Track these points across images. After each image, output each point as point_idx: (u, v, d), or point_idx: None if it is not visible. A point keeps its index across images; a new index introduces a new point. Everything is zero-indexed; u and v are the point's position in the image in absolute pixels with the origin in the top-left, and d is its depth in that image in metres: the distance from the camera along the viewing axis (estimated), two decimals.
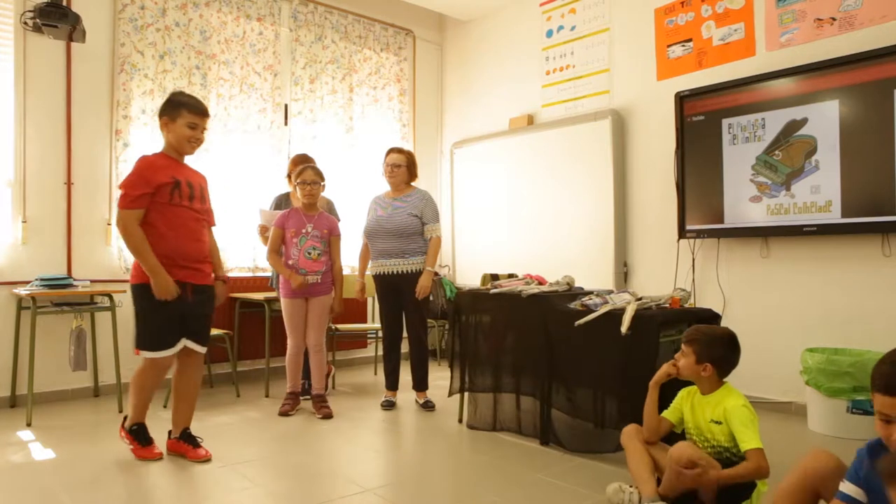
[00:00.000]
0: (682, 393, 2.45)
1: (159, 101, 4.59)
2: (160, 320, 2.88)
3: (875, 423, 1.63)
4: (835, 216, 3.67)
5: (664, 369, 2.42)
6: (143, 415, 3.06)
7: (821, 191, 3.74)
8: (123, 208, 2.80)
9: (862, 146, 3.57)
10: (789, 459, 2.98)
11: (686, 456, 2.13)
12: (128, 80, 4.50)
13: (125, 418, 3.10)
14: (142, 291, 2.86)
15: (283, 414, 3.85)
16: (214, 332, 4.36)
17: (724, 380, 2.34)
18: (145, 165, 2.88)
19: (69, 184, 4.30)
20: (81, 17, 4.08)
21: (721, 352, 2.31)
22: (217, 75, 4.92)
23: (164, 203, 2.88)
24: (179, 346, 2.96)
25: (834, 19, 3.80)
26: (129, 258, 4.46)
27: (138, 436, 3.04)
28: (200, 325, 3.07)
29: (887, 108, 3.47)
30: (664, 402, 2.48)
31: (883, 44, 3.52)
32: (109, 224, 4.45)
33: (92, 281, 4.29)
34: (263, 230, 4.32)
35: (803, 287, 3.92)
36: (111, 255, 4.47)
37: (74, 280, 4.11)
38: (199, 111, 3.01)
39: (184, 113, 2.96)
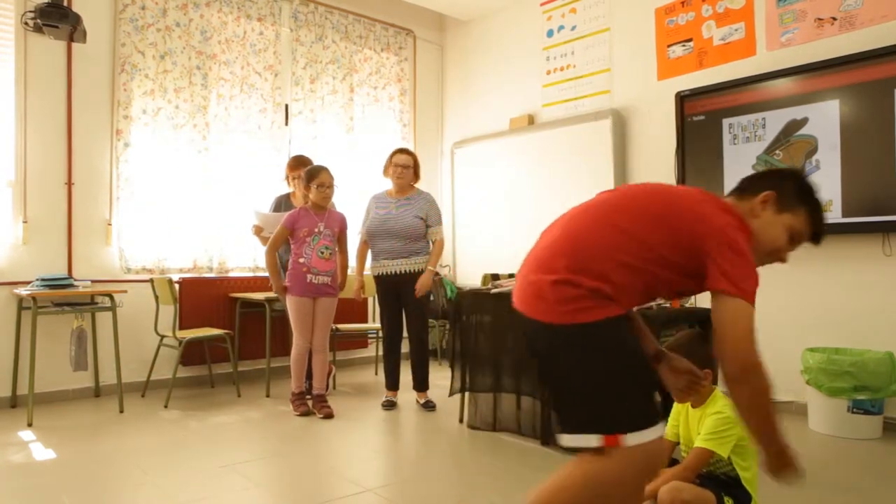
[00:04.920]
0: (677, 407, 2.42)
1: (160, 101, 4.62)
2: (648, 371, 1.65)
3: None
4: (835, 215, 3.67)
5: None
6: None
7: (821, 190, 3.71)
8: (749, 298, 1.46)
9: (862, 146, 3.57)
10: None
11: (680, 500, 2.09)
12: (128, 81, 4.50)
13: None
14: (609, 334, 1.52)
15: (304, 414, 3.85)
16: (214, 331, 4.38)
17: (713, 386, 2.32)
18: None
19: (70, 184, 4.31)
20: (82, 18, 4.07)
21: (706, 349, 2.23)
22: (218, 75, 4.93)
23: None
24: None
25: (834, 19, 3.80)
26: (132, 258, 4.49)
27: None
28: None
29: (888, 108, 3.46)
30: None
31: (883, 43, 3.52)
32: (110, 224, 4.46)
33: (92, 281, 4.29)
34: (258, 230, 4.33)
35: (804, 286, 3.91)
36: (111, 256, 4.47)
37: (75, 280, 4.11)
38: None
39: None
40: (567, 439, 1.54)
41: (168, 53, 4.66)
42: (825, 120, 3.71)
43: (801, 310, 3.91)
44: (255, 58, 5.14)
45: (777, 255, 1.69)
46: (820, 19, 3.85)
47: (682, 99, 4.36)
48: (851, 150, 3.61)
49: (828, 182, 3.70)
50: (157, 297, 4.33)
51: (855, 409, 3.34)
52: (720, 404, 2.23)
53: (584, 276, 1.52)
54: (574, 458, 1.56)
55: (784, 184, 1.71)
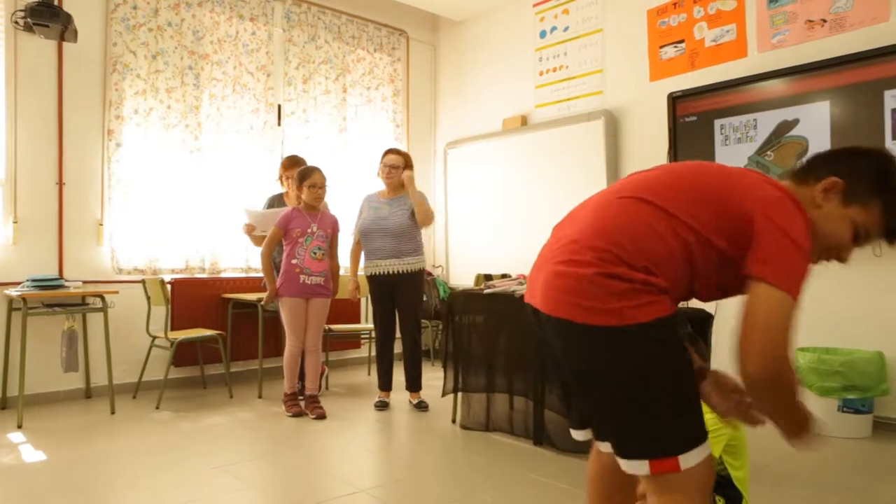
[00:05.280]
0: None
1: (152, 101, 4.60)
2: (693, 383, 1.37)
3: None
4: None
5: None
6: None
7: None
8: (792, 292, 1.22)
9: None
10: (779, 458, 3.00)
11: None
12: (120, 80, 4.48)
13: None
14: (668, 333, 1.31)
15: (297, 415, 3.84)
16: (206, 332, 4.37)
17: None
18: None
19: (61, 184, 4.28)
20: (73, 17, 4.05)
21: (696, 348, 2.27)
22: (210, 75, 4.91)
23: None
24: None
25: (825, 21, 3.82)
26: (123, 259, 4.47)
27: None
28: None
29: (877, 109, 3.49)
30: None
31: (873, 45, 3.54)
32: (101, 224, 4.43)
33: (84, 282, 4.27)
34: (250, 229, 4.32)
35: None
36: (103, 256, 4.45)
37: (66, 281, 4.08)
38: None
39: None
40: (628, 465, 1.30)
41: (160, 53, 4.65)
42: (816, 121, 3.74)
43: None
44: (248, 58, 5.13)
45: (837, 254, 1.42)
46: (811, 21, 3.88)
47: (675, 100, 4.38)
48: None
49: None
50: (148, 298, 4.31)
51: (845, 409, 3.36)
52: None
53: (632, 267, 1.28)
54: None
55: (856, 169, 1.39)
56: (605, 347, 1.28)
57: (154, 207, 4.63)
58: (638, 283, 1.27)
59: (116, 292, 4.18)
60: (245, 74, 5.10)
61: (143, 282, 4.35)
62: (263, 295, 4.49)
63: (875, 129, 3.49)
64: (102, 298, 3.95)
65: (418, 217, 4.06)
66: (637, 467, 1.27)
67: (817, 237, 1.35)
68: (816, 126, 3.73)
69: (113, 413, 3.88)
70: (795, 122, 3.82)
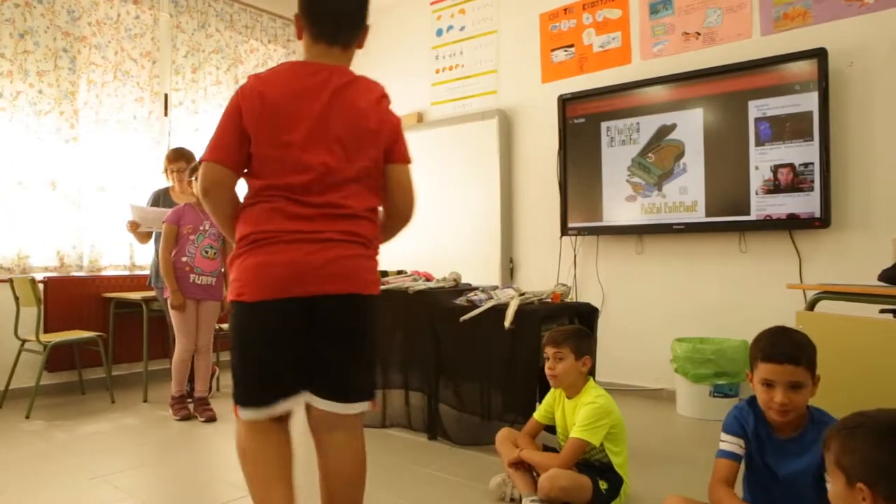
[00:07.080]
0: (554, 393, 2.55)
1: (20, 84, 4.25)
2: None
3: (756, 391, 1.77)
4: (699, 215, 3.97)
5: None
6: None
7: (688, 192, 4.03)
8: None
9: (722, 151, 3.89)
10: (660, 441, 3.21)
11: (558, 486, 2.20)
12: None
13: None
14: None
15: (185, 418, 3.68)
16: (85, 334, 4.10)
17: (589, 375, 2.46)
18: None
19: None
20: None
21: (589, 342, 2.44)
22: (88, 59, 4.59)
23: None
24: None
25: (699, 34, 4.10)
26: None
27: None
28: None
29: (743, 118, 3.79)
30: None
31: (740, 59, 3.84)
32: None
33: None
34: (134, 227, 4.09)
35: (673, 281, 4.20)
36: None
37: None
38: None
39: None
40: (358, 407, 1.74)
41: (29, 32, 4.29)
42: (691, 126, 4.01)
43: (672, 302, 4.20)
44: (131, 43, 4.84)
45: None
46: (686, 33, 4.15)
47: (564, 102, 4.56)
48: (713, 155, 3.92)
49: (694, 184, 4.00)
50: (17, 299, 3.98)
51: (715, 394, 3.63)
52: (593, 394, 2.37)
53: (375, 247, 1.81)
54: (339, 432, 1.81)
55: None
56: (374, 310, 1.74)
57: (24, 201, 4.27)
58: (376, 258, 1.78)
59: None
60: (128, 60, 4.82)
61: (10, 281, 4.02)
62: (149, 293, 4.28)
63: (740, 136, 3.80)
64: None
65: None
66: (364, 406, 1.75)
67: None
68: (692, 131, 4.00)
69: None
70: (673, 126, 4.08)
